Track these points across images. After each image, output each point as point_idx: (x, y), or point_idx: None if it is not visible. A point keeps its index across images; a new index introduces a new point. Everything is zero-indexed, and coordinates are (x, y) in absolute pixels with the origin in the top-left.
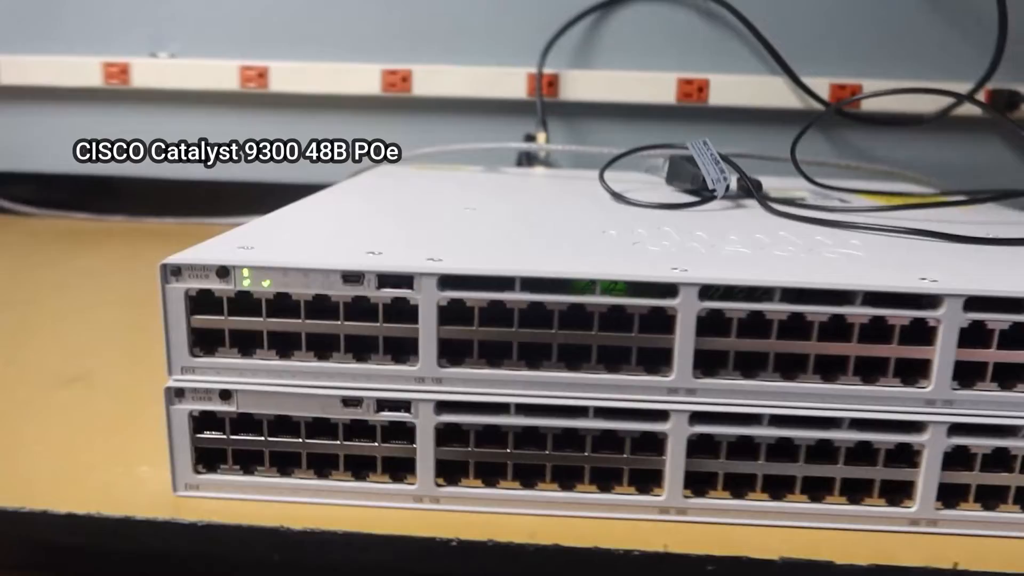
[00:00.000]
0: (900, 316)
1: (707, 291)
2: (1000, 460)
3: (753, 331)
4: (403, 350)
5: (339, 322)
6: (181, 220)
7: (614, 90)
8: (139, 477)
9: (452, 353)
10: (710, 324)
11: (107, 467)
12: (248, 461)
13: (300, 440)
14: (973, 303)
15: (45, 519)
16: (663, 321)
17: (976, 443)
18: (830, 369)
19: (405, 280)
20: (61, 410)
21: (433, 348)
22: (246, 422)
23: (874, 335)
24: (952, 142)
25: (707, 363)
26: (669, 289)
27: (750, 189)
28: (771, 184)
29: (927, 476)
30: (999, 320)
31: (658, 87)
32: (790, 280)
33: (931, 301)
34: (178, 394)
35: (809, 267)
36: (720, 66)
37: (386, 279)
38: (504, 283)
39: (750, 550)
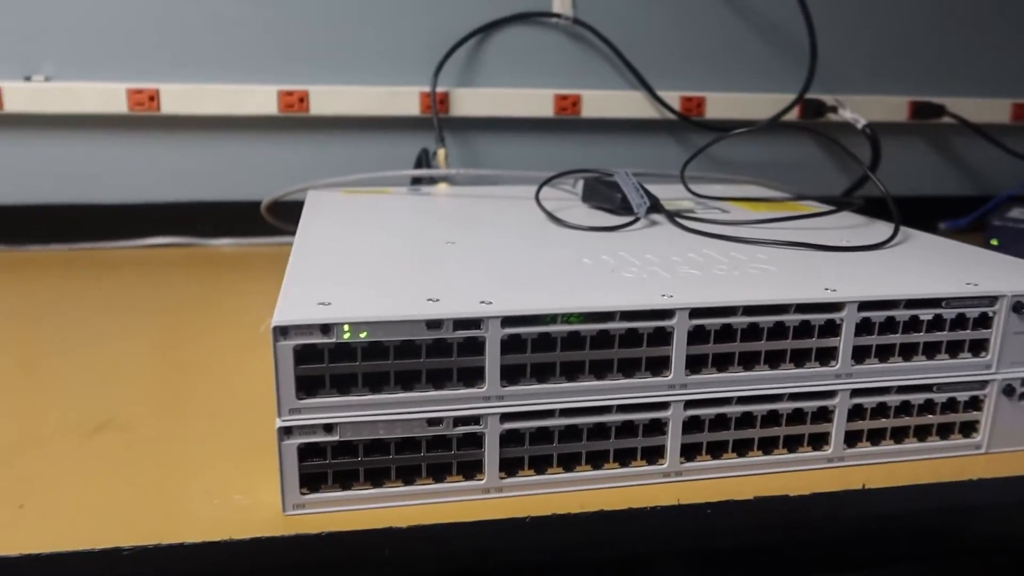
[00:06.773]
0: (818, 319)
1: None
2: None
3: (725, 338)
4: (471, 376)
5: (422, 359)
6: (70, 246)
7: (499, 106)
8: (239, 505)
9: (510, 375)
10: (697, 335)
11: (204, 500)
12: (345, 479)
13: (390, 456)
14: (864, 305)
15: (181, 552)
16: (662, 336)
17: (871, 401)
18: (772, 359)
19: (474, 323)
20: (105, 456)
21: (497, 373)
22: (344, 446)
23: (802, 333)
24: (778, 144)
25: (694, 364)
26: (666, 312)
27: (657, 208)
28: (656, 193)
29: (838, 427)
30: (877, 316)
31: (537, 102)
32: (753, 299)
33: (836, 306)
34: (287, 431)
35: (753, 286)
36: (590, 83)
37: (459, 323)
38: (549, 319)
39: (732, 494)
